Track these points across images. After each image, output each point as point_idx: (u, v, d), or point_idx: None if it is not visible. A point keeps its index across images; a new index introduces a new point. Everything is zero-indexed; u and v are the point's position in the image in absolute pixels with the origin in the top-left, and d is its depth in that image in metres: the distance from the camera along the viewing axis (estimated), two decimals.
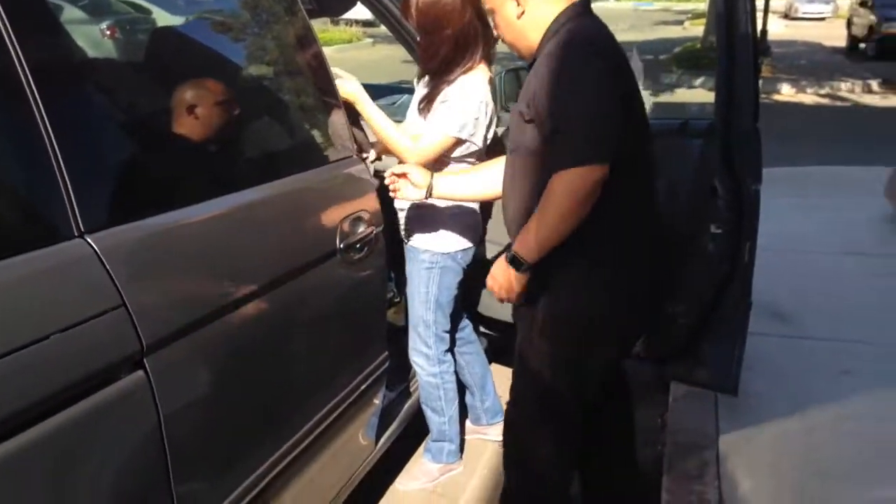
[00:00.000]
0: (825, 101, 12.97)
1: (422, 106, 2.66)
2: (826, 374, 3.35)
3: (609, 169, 1.97)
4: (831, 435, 2.89)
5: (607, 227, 2.08)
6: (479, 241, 2.84)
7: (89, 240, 1.46)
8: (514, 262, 2.09)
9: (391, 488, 2.96)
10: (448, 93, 2.59)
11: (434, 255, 2.71)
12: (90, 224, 1.47)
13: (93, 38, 2.17)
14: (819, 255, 4.92)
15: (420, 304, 2.78)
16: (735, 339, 2.81)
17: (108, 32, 2.49)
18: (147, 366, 1.52)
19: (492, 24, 2.39)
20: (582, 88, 1.99)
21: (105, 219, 1.52)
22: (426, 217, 2.70)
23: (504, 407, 2.51)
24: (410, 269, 2.79)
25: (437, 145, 2.57)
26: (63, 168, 1.42)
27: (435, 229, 2.70)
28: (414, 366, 2.90)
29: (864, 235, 5.29)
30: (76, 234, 1.45)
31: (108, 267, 1.46)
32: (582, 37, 2.08)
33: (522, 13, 2.15)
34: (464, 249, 2.76)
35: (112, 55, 2.17)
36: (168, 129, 1.87)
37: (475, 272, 2.79)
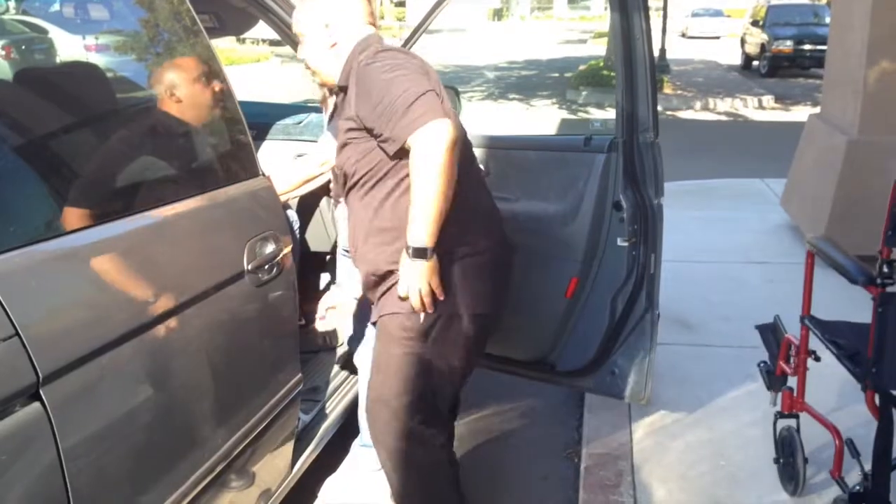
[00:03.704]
0: (723, 117, 13.45)
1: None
2: (732, 380, 3.44)
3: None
4: (738, 440, 2.97)
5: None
6: None
7: None
8: (419, 252, 2.06)
9: (319, 498, 2.88)
10: None
11: None
12: None
13: None
14: (723, 265, 5.08)
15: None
16: (645, 350, 2.87)
17: (2, 52, 2.42)
18: (43, 397, 1.44)
19: (299, 50, 2.46)
20: (398, 76, 2.05)
21: None
22: None
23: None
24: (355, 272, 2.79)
25: None
26: None
27: None
28: (360, 369, 2.85)
29: (765, 244, 5.50)
30: None
31: None
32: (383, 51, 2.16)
33: (335, 44, 2.27)
34: None
35: (6, 75, 2.09)
36: (62, 149, 1.80)
37: None
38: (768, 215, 6.06)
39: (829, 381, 2.91)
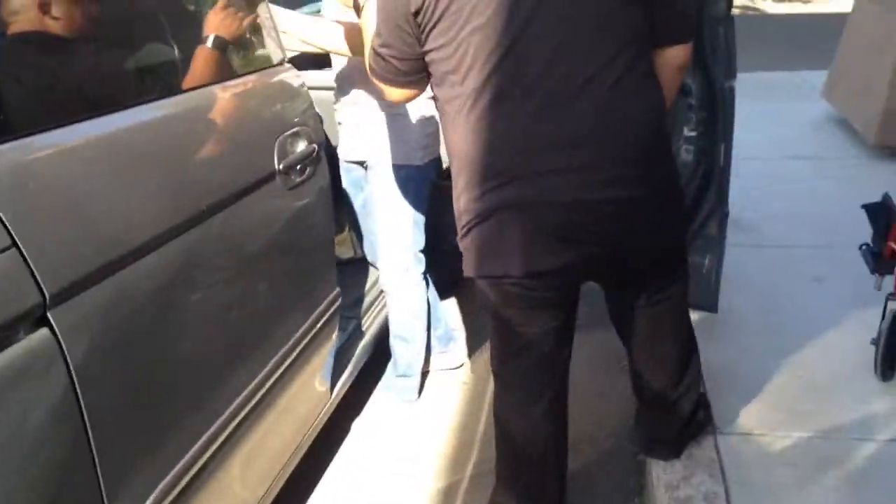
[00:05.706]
0: (737, 10, 12.90)
1: None
2: (798, 282, 3.19)
3: None
4: (815, 348, 2.72)
5: None
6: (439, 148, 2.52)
7: None
8: None
9: (352, 433, 2.65)
10: None
11: (408, 169, 2.43)
12: None
13: None
14: (766, 161, 4.76)
15: (396, 225, 2.51)
16: (714, 252, 2.60)
17: None
18: (52, 321, 1.19)
19: None
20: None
21: None
22: (392, 130, 2.38)
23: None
24: (380, 188, 2.49)
25: None
26: None
27: (404, 142, 2.40)
28: (389, 294, 2.63)
29: (809, 139, 5.18)
30: None
31: None
32: None
33: None
34: (433, 159, 2.49)
35: None
36: (66, 29, 1.49)
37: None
38: (808, 107, 5.71)
39: None
